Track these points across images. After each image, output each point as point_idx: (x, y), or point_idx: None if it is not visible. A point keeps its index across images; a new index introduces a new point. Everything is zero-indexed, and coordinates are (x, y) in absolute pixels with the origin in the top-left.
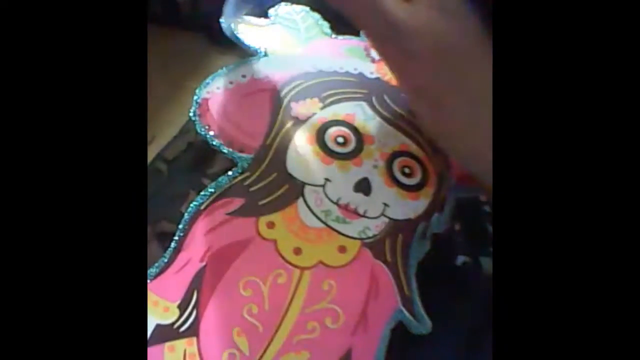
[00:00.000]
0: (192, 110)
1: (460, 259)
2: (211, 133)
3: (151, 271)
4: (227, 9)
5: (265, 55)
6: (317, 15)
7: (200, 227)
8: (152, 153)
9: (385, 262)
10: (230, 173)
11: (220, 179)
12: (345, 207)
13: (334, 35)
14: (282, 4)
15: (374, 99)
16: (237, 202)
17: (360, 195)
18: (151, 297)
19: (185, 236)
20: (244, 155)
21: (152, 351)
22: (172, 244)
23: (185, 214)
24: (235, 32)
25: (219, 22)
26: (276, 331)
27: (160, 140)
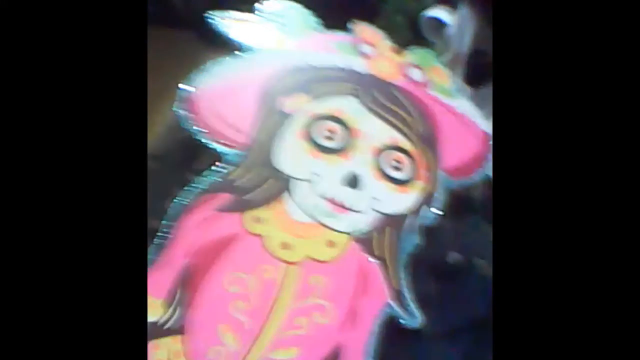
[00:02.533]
0: (179, 106)
1: (452, 257)
2: (198, 128)
3: None
4: None
5: (254, 50)
6: (306, 11)
7: (186, 223)
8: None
9: (374, 256)
10: (215, 168)
11: (205, 174)
12: (333, 202)
13: (323, 30)
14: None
15: (363, 93)
16: (223, 198)
17: (348, 190)
18: None
19: (170, 232)
20: (231, 150)
21: None
22: (157, 240)
23: (171, 210)
24: (222, 28)
25: (208, 19)
26: (264, 327)
27: (148, 137)
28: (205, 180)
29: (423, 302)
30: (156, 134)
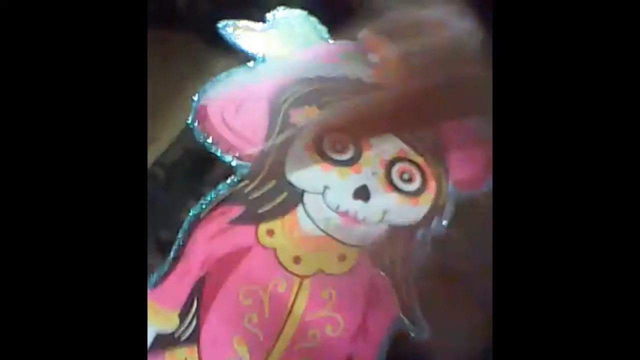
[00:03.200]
0: (189, 117)
1: (461, 266)
2: (209, 140)
3: (150, 280)
4: None
5: (263, 60)
6: (314, 20)
7: (200, 235)
8: (149, 158)
9: (384, 269)
10: (229, 180)
11: (219, 186)
12: (344, 214)
13: (331, 40)
14: (280, 7)
15: None
16: (237, 210)
17: (359, 202)
18: (151, 306)
19: (184, 244)
20: (242, 162)
21: None
22: (172, 253)
23: (185, 222)
24: (232, 37)
25: (215, 25)
26: (277, 339)
27: (157, 146)
28: (219, 192)
29: (432, 314)
30: (167, 144)
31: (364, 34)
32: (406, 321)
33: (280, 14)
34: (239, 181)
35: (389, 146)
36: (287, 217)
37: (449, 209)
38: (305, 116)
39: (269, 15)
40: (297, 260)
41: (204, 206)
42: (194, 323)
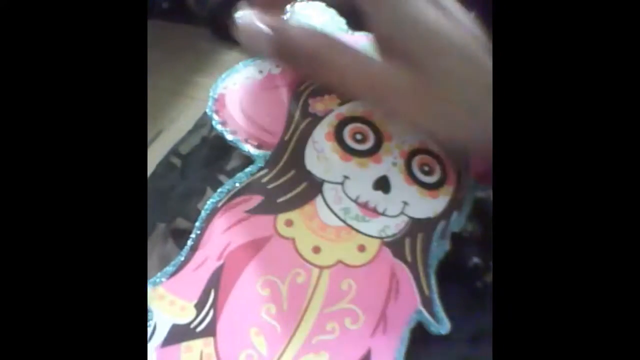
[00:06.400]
0: (208, 106)
1: (473, 260)
2: (228, 129)
3: (167, 270)
4: None
5: None
6: (332, 12)
7: (218, 224)
8: (165, 147)
9: (405, 261)
10: (248, 170)
11: (237, 175)
12: (364, 205)
13: (350, 32)
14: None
15: None
16: (255, 200)
17: (379, 193)
18: (168, 297)
19: (202, 234)
20: (261, 151)
21: (168, 351)
22: (189, 242)
23: (203, 211)
24: None
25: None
26: (295, 332)
27: (172, 135)
28: (239, 182)
29: (452, 308)
30: (183, 131)
31: None
32: (426, 315)
33: (298, 6)
34: (258, 170)
35: (410, 137)
36: (307, 207)
37: (468, 203)
38: (325, 105)
39: (287, 7)
40: (316, 250)
41: (222, 196)
42: (210, 314)
